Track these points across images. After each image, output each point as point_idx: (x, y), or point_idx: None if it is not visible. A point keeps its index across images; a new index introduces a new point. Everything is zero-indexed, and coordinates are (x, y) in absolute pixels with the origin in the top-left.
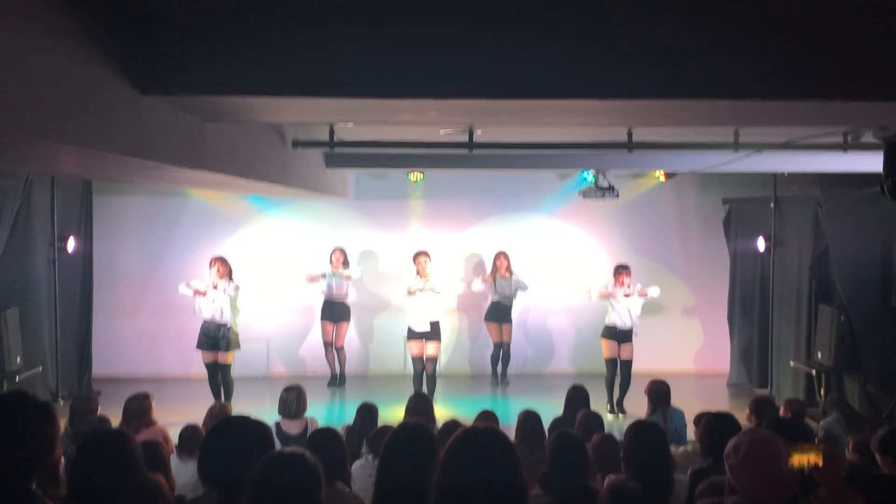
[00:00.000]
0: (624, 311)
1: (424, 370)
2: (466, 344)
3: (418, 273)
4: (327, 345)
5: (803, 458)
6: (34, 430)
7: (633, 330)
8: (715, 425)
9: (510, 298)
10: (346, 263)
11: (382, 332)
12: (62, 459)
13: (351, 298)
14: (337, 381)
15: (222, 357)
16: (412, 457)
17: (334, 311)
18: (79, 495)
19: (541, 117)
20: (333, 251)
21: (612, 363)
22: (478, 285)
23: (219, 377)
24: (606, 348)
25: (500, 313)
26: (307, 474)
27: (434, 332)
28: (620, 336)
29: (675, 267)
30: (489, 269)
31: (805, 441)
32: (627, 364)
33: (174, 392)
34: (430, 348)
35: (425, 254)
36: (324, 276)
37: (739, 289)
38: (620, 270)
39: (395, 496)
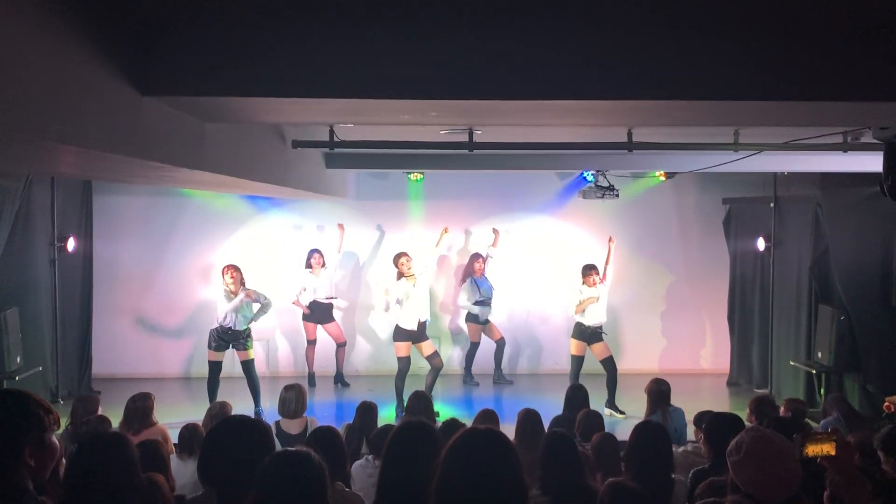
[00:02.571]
0: (591, 311)
1: (432, 367)
2: (467, 344)
3: (403, 275)
4: (311, 342)
5: (818, 448)
6: (3, 425)
7: (597, 326)
8: (720, 425)
9: (489, 298)
10: (324, 265)
11: (383, 331)
12: (63, 460)
13: (338, 301)
14: (314, 380)
15: (242, 355)
16: (416, 455)
17: (321, 312)
18: (75, 498)
19: (541, 118)
20: (312, 254)
21: (579, 361)
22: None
23: (217, 379)
24: (576, 347)
25: (474, 317)
26: (313, 473)
27: (423, 333)
28: (590, 336)
29: (675, 267)
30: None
31: None
32: (608, 360)
33: (174, 392)
34: (424, 349)
35: (405, 254)
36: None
37: (739, 289)
38: (589, 270)
39: (397, 494)
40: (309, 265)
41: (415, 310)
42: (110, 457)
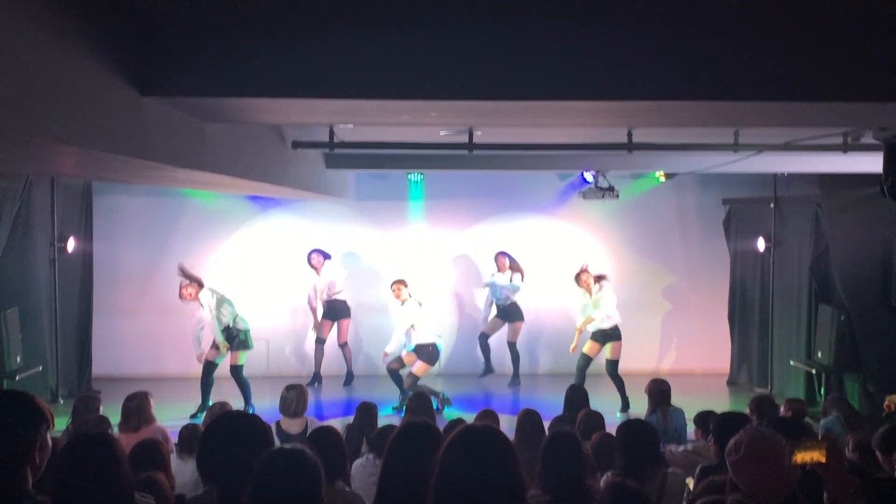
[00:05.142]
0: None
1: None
2: (466, 344)
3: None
4: (321, 341)
5: (807, 455)
6: (16, 425)
7: (609, 329)
8: (729, 424)
9: (499, 299)
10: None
11: (384, 332)
12: None
13: (340, 297)
14: (319, 380)
15: (233, 358)
16: (418, 455)
17: (336, 309)
18: (64, 497)
19: (541, 118)
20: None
21: (584, 359)
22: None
23: (210, 378)
24: (588, 346)
25: (500, 312)
26: (307, 471)
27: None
28: (603, 337)
29: (675, 267)
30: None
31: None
32: (609, 363)
33: (174, 392)
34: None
35: (396, 282)
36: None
37: (739, 289)
38: (579, 274)
39: (398, 494)
40: (312, 266)
41: (396, 328)
42: (94, 458)
